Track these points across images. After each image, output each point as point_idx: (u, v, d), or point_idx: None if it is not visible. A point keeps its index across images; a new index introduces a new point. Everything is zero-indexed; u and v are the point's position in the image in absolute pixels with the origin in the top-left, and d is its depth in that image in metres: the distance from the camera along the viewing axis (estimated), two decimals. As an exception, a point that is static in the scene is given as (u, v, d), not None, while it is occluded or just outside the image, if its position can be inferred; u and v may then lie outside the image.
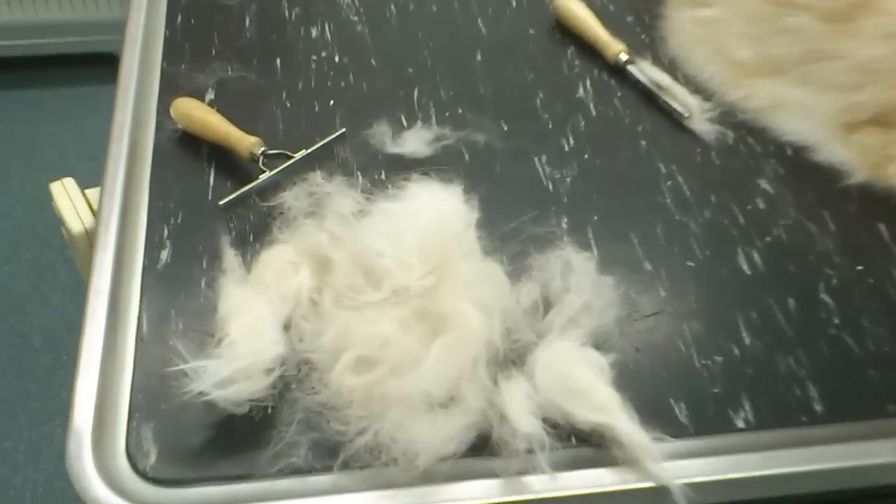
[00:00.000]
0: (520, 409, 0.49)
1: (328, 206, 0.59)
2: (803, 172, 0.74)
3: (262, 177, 0.63)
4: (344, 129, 0.69)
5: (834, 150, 0.74)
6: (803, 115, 0.75)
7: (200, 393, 0.50)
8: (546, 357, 0.52)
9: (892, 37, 0.69)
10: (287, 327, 0.54)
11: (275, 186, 0.63)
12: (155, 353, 0.56)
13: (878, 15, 0.69)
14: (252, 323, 0.52)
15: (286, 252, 0.56)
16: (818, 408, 0.57)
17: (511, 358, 0.55)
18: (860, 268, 0.66)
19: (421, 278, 0.52)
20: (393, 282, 0.52)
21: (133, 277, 0.60)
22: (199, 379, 0.50)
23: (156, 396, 0.53)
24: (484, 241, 0.59)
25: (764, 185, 0.72)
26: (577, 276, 0.57)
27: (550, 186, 0.70)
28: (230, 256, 0.57)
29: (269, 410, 0.53)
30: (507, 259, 0.61)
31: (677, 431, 0.54)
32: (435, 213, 0.55)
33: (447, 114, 0.76)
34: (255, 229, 0.61)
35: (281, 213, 0.60)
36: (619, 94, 0.79)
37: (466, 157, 0.72)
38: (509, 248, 0.62)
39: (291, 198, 0.60)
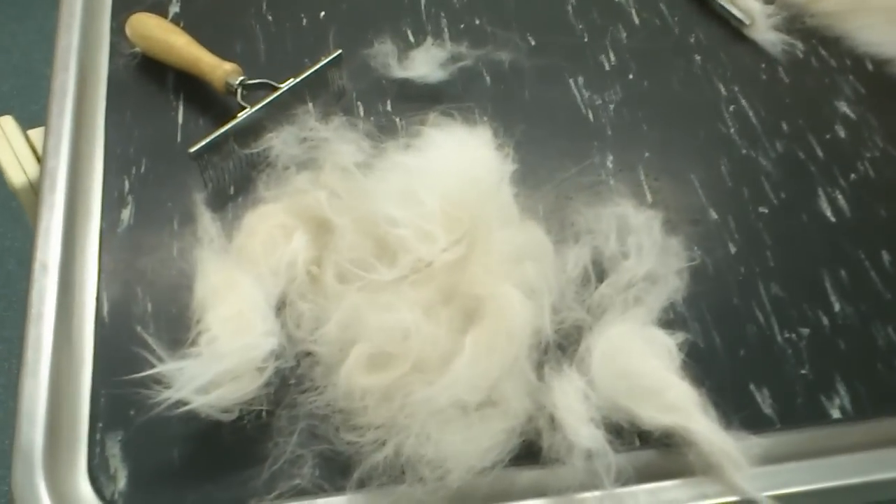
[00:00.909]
0: (576, 417, 0.39)
1: (326, 155, 0.47)
2: (888, 92, 0.62)
3: (242, 115, 0.51)
4: (340, 51, 0.57)
5: (926, 63, 0.62)
6: (886, 21, 0.63)
7: (179, 402, 0.40)
8: (604, 346, 0.42)
9: None
10: (281, 308, 0.44)
11: (258, 127, 0.51)
12: (120, 345, 0.45)
13: None
14: (237, 311, 0.41)
15: (276, 213, 0.45)
16: (927, 390, 0.47)
17: (558, 342, 0.44)
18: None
19: (446, 250, 0.41)
20: (412, 256, 0.41)
21: (88, 246, 0.49)
22: (175, 383, 0.39)
23: (123, 402, 0.43)
24: (521, 193, 0.48)
25: (843, 108, 0.60)
26: (636, 236, 0.47)
27: (591, 115, 0.58)
28: (206, 220, 0.45)
29: (264, 417, 0.42)
30: (546, 215, 0.50)
31: (762, 426, 0.44)
32: (461, 166, 0.43)
33: (462, 26, 0.63)
34: (236, 183, 0.50)
35: (267, 162, 0.48)
36: (666, -1, 0.66)
37: (488, 80, 0.59)
38: (548, 201, 0.50)
39: (279, 143, 0.48)
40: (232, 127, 0.50)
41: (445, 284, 0.41)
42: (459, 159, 0.44)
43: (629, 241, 0.46)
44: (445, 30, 0.62)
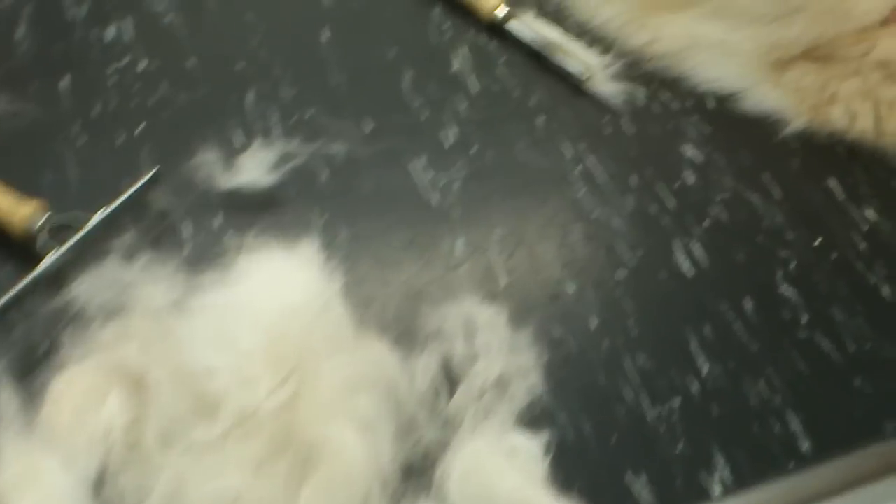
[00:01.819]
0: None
1: (136, 299, 0.43)
2: (732, 128, 0.61)
3: (45, 262, 0.46)
4: (157, 168, 0.53)
5: (764, 94, 0.61)
6: (723, 57, 0.62)
7: None
8: (460, 467, 0.38)
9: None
10: (100, 486, 0.39)
11: (65, 272, 0.47)
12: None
13: None
14: (43, 504, 0.36)
15: (84, 375, 0.41)
16: (805, 445, 0.45)
17: (417, 467, 0.41)
18: (819, 240, 0.55)
19: (272, 393, 0.38)
20: (234, 405, 0.37)
21: None
22: None
23: None
24: (354, 307, 0.45)
25: (690, 151, 0.59)
26: (484, 334, 0.44)
27: (435, 198, 0.55)
28: (6, 393, 0.41)
29: None
30: (389, 325, 0.46)
31: (641, 519, 0.42)
32: (280, 295, 0.40)
33: (293, 119, 0.59)
34: (41, 342, 0.45)
35: (72, 315, 0.44)
36: (502, 60, 0.64)
37: (323, 177, 0.56)
38: (390, 308, 0.47)
39: (85, 290, 0.44)
40: (32, 279, 0.45)
41: (276, 433, 0.37)
42: (277, 287, 0.40)
43: (477, 342, 0.44)
44: (275, 127, 0.59)
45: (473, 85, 0.62)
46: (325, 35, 0.65)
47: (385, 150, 0.58)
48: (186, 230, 0.52)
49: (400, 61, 0.64)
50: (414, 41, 0.65)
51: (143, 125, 0.59)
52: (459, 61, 0.64)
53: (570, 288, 0.51)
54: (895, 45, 0.57)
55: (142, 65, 0.62)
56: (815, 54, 0.59)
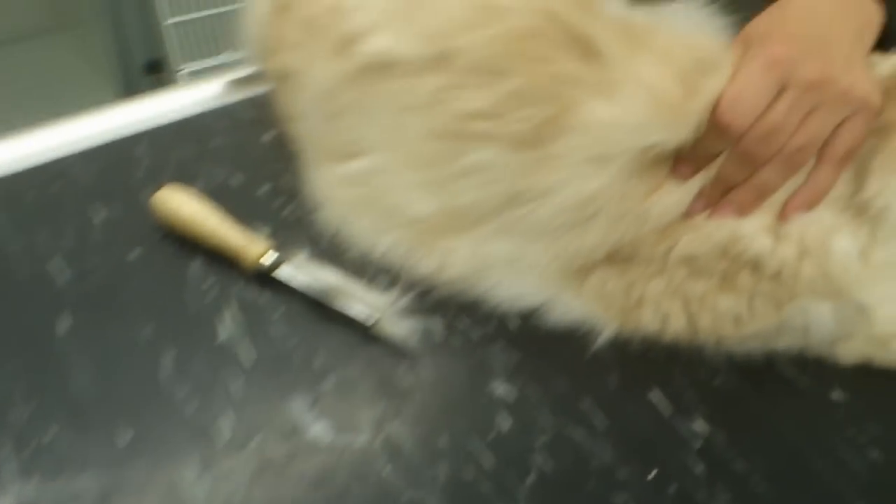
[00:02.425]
0: None
1: None
2: (542, 350, 0.55)
3: None
4: None
5: (569, 305, 0.56)
6: (520, 273, 0.57)
7: None
8: None
9: (599, 161, 0.52)
10: None
11: None
12: None
13: (574, 133, 0.52)
14: None
15: None
16: None
17: None
18: (654, 473, 0.49)
19: None
20: None
21: None
22: None
23: None
24: None
25: (500, 388, 0.53)
26: None
27: (211, 522, 0.46)
28: None
29: None
30: None
31: None
32: None
33: (30, 448, 0.49)
34: None
35: None
36: (278, 315, 0.57)
37: (68, 528, 0.46)
38: None
39: None
40: None
41: None
42: None
43: None
44: (5, 464, 0.48)
45: (247, 354, 0.54)
46: (64, 324, 0.55)
47: (148, 465, 0.48)
48: None
49: (157, 340, 0.55)
50: (171, 310, 0.57)
51: None
52: (227, 326, 0.56)
53: None
54: (697, 239, 0.54)
55: None
56: (617, 257, 0.55)
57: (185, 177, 0.65)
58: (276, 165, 0.65)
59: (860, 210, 0.53)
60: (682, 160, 0.54)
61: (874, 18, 0.57)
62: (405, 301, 0.57)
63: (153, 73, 1.82)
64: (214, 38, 1.68)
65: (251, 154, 0.67)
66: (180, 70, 1.73)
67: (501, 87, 0.52)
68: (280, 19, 0.64)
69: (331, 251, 0.60)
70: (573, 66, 0.52)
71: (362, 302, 0.56)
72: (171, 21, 1.68)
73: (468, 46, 0.54)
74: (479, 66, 0.53)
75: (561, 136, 0.52)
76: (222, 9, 1.63)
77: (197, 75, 1.73)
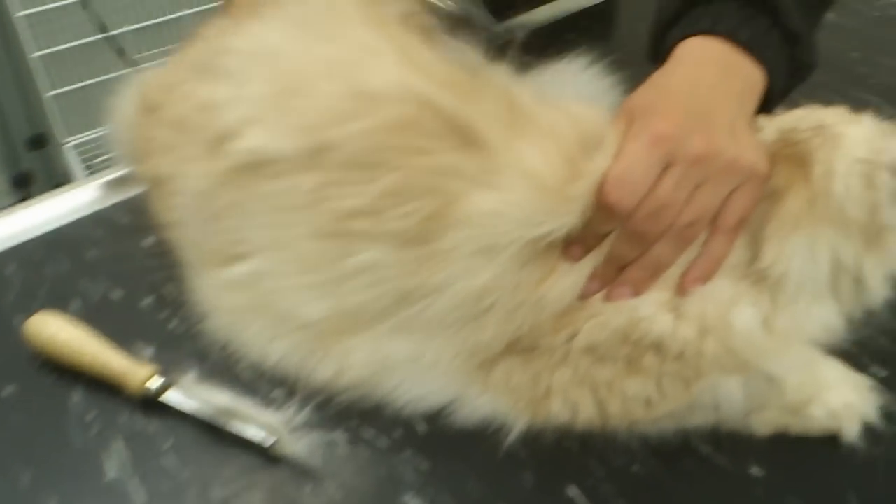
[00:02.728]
0: None
1: None
2: (452, 453, 0.53)
3: None
4: None
5: (477, 402, 0.54)
6: (422, 372, 0.54)
7: None
8: None
9: (487, 252, 0.50)
10: None
11: None
12: None
13: (460, 227, 0.50)
14: None
15: None
16: None
17: None
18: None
19: None
20: None
21: None
22: None
23: None
24: None
25: (409, 501, 0.50)
26: None
27: None
28: None
29: None
30: None
31: None
32: None
33: None
34: None
35: None
36: (168, 445, 0.52)
37: None
38: None
39: None
40: None
41: None
42: None
43: None
44: None
45: (138, 494, 0.50)
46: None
47: None
48: None
49: (37, 487, 0.50)
50: (52, 450, 0.52)
51: None
52: (115, 462, 0.51)
53: None
54: (597, 327, 0.52)
55: None
56: (519, 347, 0.53)
57: (60, 297, 0.60)
58: (158, 274, 0.61)
59: (759, 278, 0.53)
60: (572, 242, 0.52)
61: (756, 82, 0.57)
62: (304, 415, 0.53)
63: (37, 149, 1.74)
64: (99, 109, 1.61)
65: (131, 264, 0.62)
66: (66, 143, 1.65)
67: (378, 184, 0.50)
68: (148, 121, 0.60)
69: (221, 365, 0.56)
70: (452, 156, 0.50)
71: (258, 422, 0.52)
72: (51, 94, 1.61)
73: (342, 140, 0.51)
74: (354, 162, 0.50)
75: (446, 231, 0.50)
76: (104, 77, 1.56)
77: (82, 147, 1.65)
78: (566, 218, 0.50)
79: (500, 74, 0.57)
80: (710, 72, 0.56)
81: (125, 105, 0.63)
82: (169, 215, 0.59)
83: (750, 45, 0.57)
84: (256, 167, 0.54)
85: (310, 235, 0.53)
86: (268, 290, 0.56)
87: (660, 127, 0.52)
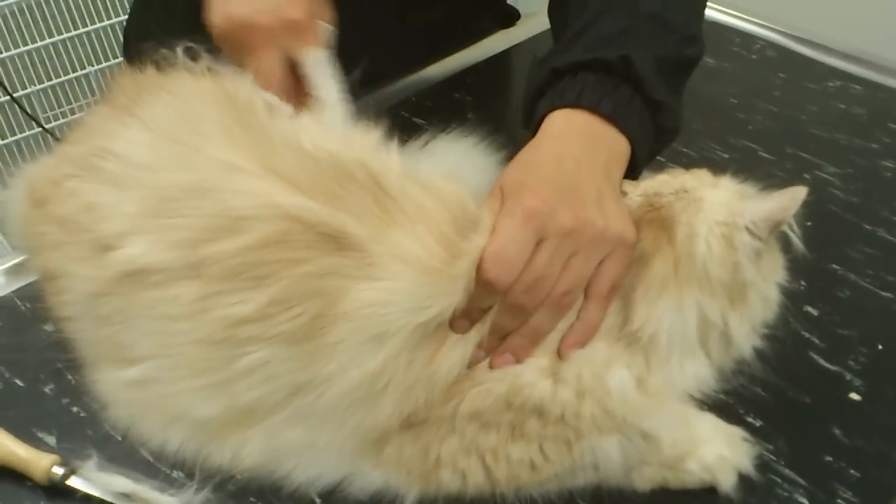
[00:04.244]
0: None
1: None
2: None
3: None
4: None
5: (370, 477, 0.56)
6: (316, 454, 0.55)
7: None
8: None
9: (378, 340, 0.51)
10: None
11: None
12: None
13: (347, 320, 0.51)
14: None
15: None
16: None
17: None
18: None
19: None
20: None
21: None
22: None
23: None
24: None
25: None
26: None
27: None
28: None
29: None
30: None
31: None
32: None
33: None
34: None
35: None
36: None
37: None
38: None
39: None
40: None
41: None
42: None
43: None
44: None
45: None
46: None
47: None
48: None
49: None
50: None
51: None
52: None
53: None
54: (480, 394, 0.54)
55: None
56: (410, 421, 0.55)
57: (-41, 388, 0.61)
58: (59, 361, 0.62)
59: (632, 340, 0.56)
60: (458, 316, 0.54)
61: (622, 151, 0.60)
62: (203, 495, 0.55)
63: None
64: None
65: (32, 352, 0.63)
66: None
67: (262, 295, 0.51)
68: (38, 214, 0.61)
69: (122, 451, 0.57)
70: (328, 260, 0.51)
71: (158, 506, 0.54)
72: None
73: (219, 256, 0.52)
74: (234, 275, 0.51)
75: (334, 326, 0.51)
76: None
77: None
78: (452, 297, 0.52)
79: (367, 150, 0.59)
80: (575, 144, 0.58)
81: (17, 195, 0.64)
82: (62, 311, 0.60)
83: (614, 116, 0.59)
84: (139, 276, 0.54)
85: (196, 343, 0.53)
86: (159, 393, 0.56)
87: (530, 203, 0.54)
